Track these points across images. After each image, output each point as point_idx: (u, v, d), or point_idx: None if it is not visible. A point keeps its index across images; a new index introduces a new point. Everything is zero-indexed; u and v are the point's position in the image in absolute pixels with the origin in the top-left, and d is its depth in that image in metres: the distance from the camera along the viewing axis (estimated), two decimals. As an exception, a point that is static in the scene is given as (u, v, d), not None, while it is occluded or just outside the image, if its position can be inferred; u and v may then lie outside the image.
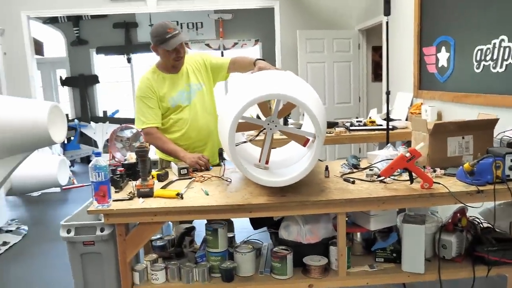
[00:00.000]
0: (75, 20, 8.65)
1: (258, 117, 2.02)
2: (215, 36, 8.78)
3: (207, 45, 8.70)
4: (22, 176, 4.74)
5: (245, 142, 2.17)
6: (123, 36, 8.83)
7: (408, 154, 1.93)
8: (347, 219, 2.05)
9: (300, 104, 1.76)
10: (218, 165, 2.58)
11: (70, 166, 7.19)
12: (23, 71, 6.18)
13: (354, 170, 2.30)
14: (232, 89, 2.19)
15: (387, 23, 3.39)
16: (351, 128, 3.91)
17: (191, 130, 2.65)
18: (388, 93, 3.53)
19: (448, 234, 2.06)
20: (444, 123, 2.36)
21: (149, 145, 2.21)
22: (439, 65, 3.98)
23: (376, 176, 2.09)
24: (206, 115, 2.69)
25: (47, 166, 4.94)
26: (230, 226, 2.34)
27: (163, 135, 2.63)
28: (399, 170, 2.02)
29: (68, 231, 1.99)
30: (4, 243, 4.23)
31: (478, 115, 2.91)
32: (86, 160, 8.43)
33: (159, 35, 2.49)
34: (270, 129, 1.96)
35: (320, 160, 2.46)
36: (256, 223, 2.23)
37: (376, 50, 6.50)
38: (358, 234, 2.19)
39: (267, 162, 1.99)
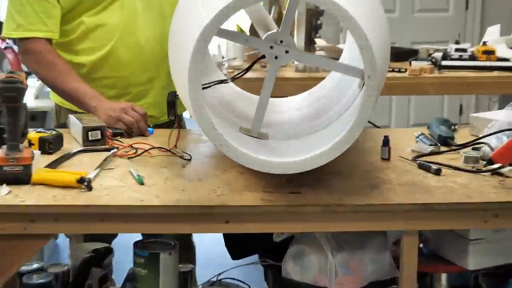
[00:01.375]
0: None
1: (254, 33, 1.33)
2: None
3: None
4: None
5: (224, 81, 1.42)
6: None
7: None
8: (421, 245, 1.35)
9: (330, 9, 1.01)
10: (168, 124, 1.71)
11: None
12: None
13: (442, 149, 1.56)
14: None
15: None
16: (442, 63, 2.68)
17: (122, 49, 1.76)
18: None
19: None
20: None
21: (27, 78, 1.46)
22: None
23: (485, 162, 1.38)
24: (158, 21, 1.79)
25: None
26: (186, 251, 1.64)
27: (61, 58, 1.73)
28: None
29: None
30: None
31: None
32: None
33: None
34: (276, 57, 1.13)
35: (376, 126, 1.73)
36: (238, 247, 1.51)
37: None
38: (443, 276, 1.51)
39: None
